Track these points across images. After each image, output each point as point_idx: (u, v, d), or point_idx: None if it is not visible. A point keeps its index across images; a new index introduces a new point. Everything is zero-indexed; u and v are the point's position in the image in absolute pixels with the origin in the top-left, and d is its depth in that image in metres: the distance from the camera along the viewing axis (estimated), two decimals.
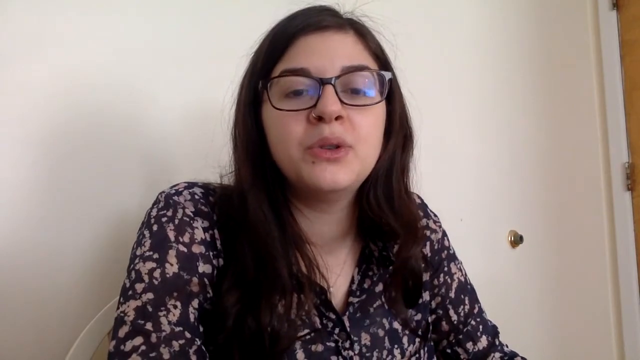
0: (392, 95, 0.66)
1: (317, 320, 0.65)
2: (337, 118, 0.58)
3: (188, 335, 0.55)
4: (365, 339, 0.67)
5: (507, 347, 0.80)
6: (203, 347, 0.56)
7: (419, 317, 0.73)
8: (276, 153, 0.62)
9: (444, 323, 0.77)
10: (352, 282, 0.70)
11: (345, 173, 0.60)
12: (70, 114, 0.88)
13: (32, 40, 0.85)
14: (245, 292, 0.59)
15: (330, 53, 0.61)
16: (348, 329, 0.66)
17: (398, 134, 0.67)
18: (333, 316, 0.66)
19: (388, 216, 0.66)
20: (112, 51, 0.92)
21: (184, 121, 0.99)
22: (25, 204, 0.84)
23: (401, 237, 0.67)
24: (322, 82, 0.59)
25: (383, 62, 0.66)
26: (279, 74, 0.61)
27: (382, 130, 0.65)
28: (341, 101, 0.59)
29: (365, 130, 0.61)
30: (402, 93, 0.69)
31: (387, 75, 0.63)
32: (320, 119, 0.58)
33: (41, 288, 0.84)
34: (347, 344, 0.65)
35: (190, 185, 0.66)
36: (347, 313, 0.67)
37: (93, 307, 0.81)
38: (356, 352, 0.66)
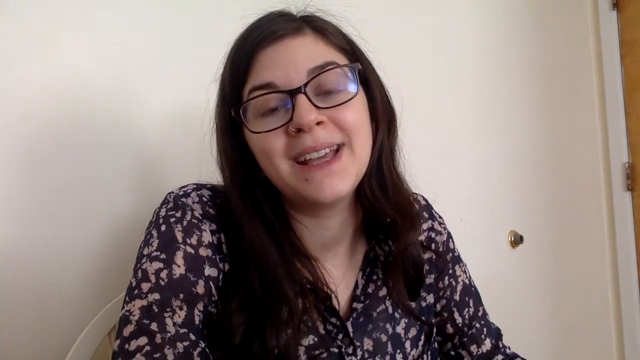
0: (368, 83, 0.64)
1: (321, 326, 0.64)
2: (318, 124, 0.57)
3: (193, 337, 0.55)
4: (368, 344, 0.67)
5: (509, 349, 0.80)
6: (207, 350, 0.56)
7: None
8: (266, 171, 0.62)
9: (448, 326, 0.77)
10: (355, 287, 0.69)
11: (344, 180, 0.59)
12: (65, 116, 0.87)
13: (24, 43, 0.84)
14: (253, 314, 0.59)
15: (292, 60, 0.59)
16: (351, 335, 0.66)
17: (383, 119, 0.65)
18: (337, 322, 0.65)
19: (383, 205, 0.65)
20: (105, 52, 0.92)
21: (176, 121, 0.98)
22: (21, 204, 0.84)
23: (399, 224, 0.66)
24: (292, 93, 0.57)
25: (350, 52, 0.64)
26: (247, 96, 0.60)
27: (369, 120, 0.64)
28: (317, 106, 0.58)
29: (351, 124, 0.59)
30: (379, 76, 0.67)
31: (356, 66, 0.62)
32: (299, 130, 0.57)
33: (40, 288, 0.84)
34: (350, 350, 0.65)
35: (199, 187, 0.65)
36: (351, 318, 0.67)
37: (92, 308, 0.80)
38: (359, 357, 0.66)
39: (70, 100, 0.88)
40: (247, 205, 0.62)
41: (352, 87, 0.61)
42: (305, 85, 0.58)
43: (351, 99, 0.60)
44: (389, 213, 0.66)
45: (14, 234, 0.83)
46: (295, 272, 0.62)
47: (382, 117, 0.65)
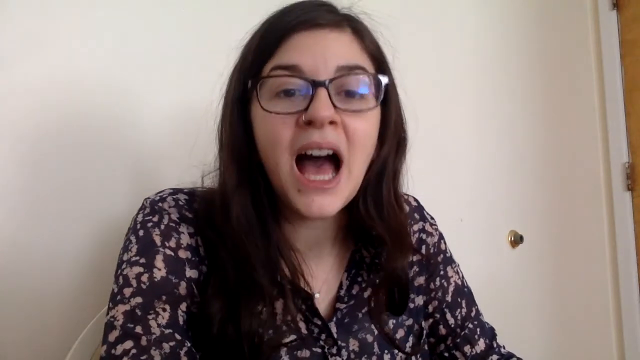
0: (388, 99, 0.63)
1: (303, 326, 0.64)
2: (330, 123, 0.57)
3: (178, 337, 0.55)
4: (354, 344, 0.66)
5: (504, 348, 0.80)
6: (193, 349, 0.56)
7: (410, 322, 0.72)
8: (265, 159, 0.61)
9: (441, 327, 0.76)
10: (340, 287, 0.69)
11: (334, 202, 0.59)
12: (64, 116, 0.88)
13: (25, 42, 0.85)
14: (228, 300, 0.58)
15: (325, 51, 0.58)
16: (335, 335, 0.65)
17: (392, 139, 0.64)
18: (319, 322, 0.65)
19: (377, 224, 0.64)
20: (102, 52, 0.92)
21: (173, 122, 0.99)
22: (21, 204, 0.84)
23: (388, 246, 0.66)
24: (315, 84, 0.56)
25: (380, 63, 0.64)
26: (269, 71, 0.59)
27: (376, 136, 0.63)
28: (334, 105, 0.57)
29: (360, 136, 0.59)
30: (399, 95, 0.66)
31: (384, 79, 0.61)
32: (310, 123, 0.56)
33: (40, 288, 0.84)
34: (334, 350, 0.65)
35: (175, 191, 0.65)
36: (335, 319, 0.67)
37: (92, 308, 0.81)
38: (344, 358, 0.65)
39: (70, 101, 0.89)
40: (242, 182, 0.61)
41: (373, 99, 0.60)
42: (331, 80, 0.57)
43: (369, 109, 0.60)
44: (380, 233, 0.65)
45: (14, 234, 0.83)
46: (276, 262, 0.61)
47: (392, 136, 0.64)
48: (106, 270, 0.88)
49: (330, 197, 0.58)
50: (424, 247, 0.77)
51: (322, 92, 0.56)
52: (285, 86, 0.58)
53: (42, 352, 0.84)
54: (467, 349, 0.76)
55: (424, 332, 0.74)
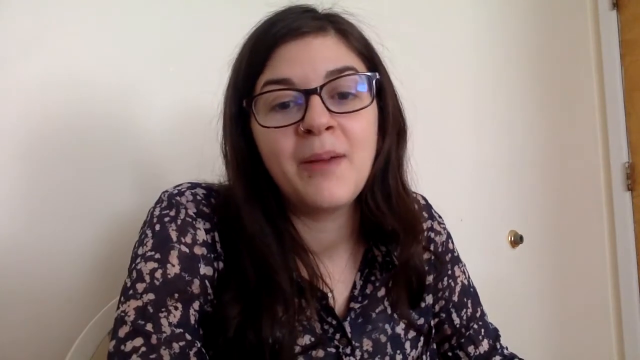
0: (382, 92, 0.64)
1: (318, 325, 0.64)
2: (327, 128, 0.57)
3: (188, 337, 0.55)
4: (367, 344, 0.66)
5: (507, 349, 0.80)
6: (203, 350, 0.56)
7: (421, 321, 0.72)
8: (270, 168, 0.61)
9: (446, 326, 0.77)
10: (353, 287, 0.69)
11: (343, 187, 0.59)
12: (66, 114, 0.88)
13: (26, 41, 0.85)
14: (247, 304, 0.59)
15: (312, 59, 0.58)
16: (349, 335, 0.65)
17: (392, 130, 0.65)
18: (334, 322, 0.65)
19: (387, 216, 0.65)
20: (107, 53, 0.92)
21: (177, 121, 0.99)
22: (23, 203, 0.84)
23: (401, 237, 0.66)
24: (307, 93, 0.57)
25: (369, 59, 0.64)
26: (261, 89, 0.59)
27: (376, 131, 0.63)
28: (329, 110, 0.57)
29: (358, 135, 0.59)
30: (394, 85, 0.66)
31: (374, 76, 0.61)
32: (309, 131, 0.57)
33: (41, 287, 0.84)
34: (348, 350, 0.65)
35: (194, 185, 0.65)
36: (349, 319, 0.67)
37: (93, 307, 0.80)
38: (357, 358, 0.65)
39: (71, 100, 0.89)
40: (250, 194, 0.61)
41: (367, 97, 0.60)
42: (322, 87, 0.57)
43: (363, 108, 0.60)
44: (391, 225, 0.65)
45: (15, 233, 0.83)
46: (292, 265, 0.62)
47: (392, 127, 0.65)
48: (107, 270, 0.88)
49: (338, 181, 0.58)
50: (432, 245, 0.77)
51: (315, 100, 0.57)
52: (280, 99, 0.58)
53: (42, 352, 0.83)
54: (471, 349, 0.76)
55: (432, 330, 0.74)
